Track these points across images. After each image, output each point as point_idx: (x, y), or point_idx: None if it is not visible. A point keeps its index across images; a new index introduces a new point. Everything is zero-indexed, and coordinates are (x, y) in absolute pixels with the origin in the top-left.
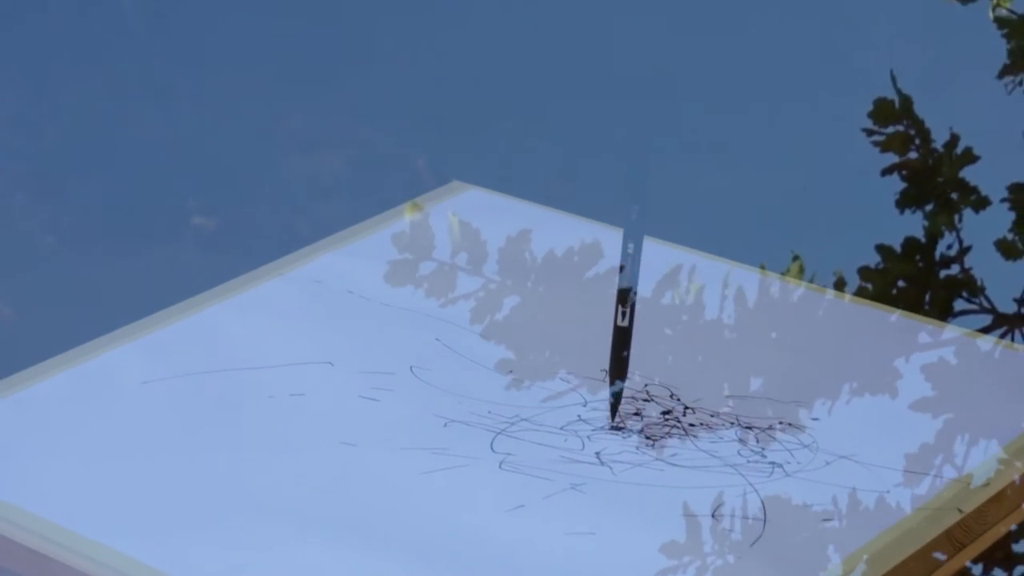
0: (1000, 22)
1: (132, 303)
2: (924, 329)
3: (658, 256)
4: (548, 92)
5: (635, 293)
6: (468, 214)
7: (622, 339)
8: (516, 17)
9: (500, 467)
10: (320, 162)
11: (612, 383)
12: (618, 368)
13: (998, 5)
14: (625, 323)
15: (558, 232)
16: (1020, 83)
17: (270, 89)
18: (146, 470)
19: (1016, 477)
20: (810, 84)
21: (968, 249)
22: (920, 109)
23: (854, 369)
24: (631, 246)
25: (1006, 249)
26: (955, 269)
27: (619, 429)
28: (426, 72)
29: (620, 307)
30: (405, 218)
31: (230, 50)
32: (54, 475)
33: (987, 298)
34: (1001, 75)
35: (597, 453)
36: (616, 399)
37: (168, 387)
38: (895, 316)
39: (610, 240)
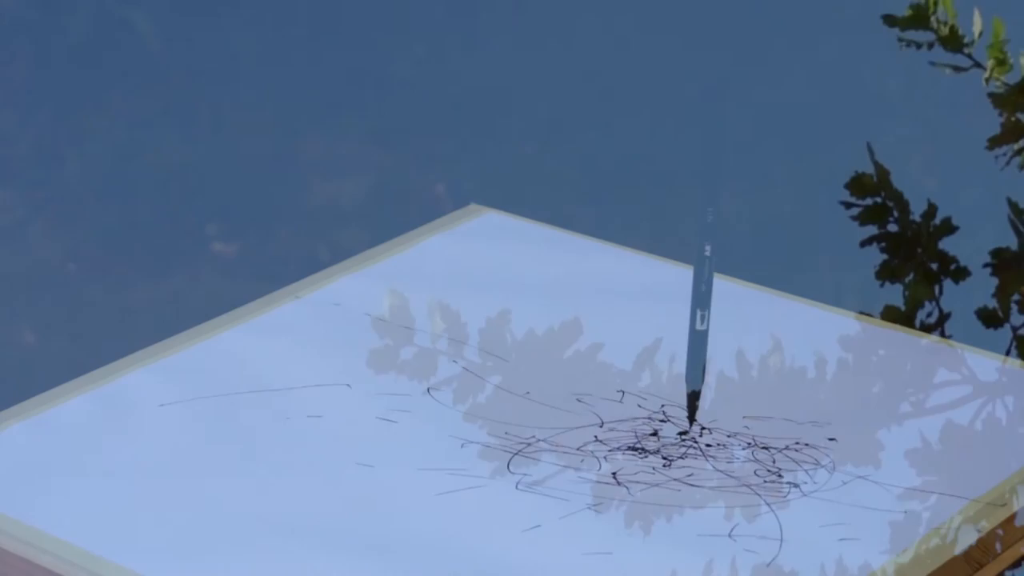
0: (993, 98)
1: (153, 329)
2: (941, 350)
3: (679, 278)
4: (569, 115)
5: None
6: (486, 237)
7: (700, 343)
8: (536, 41)
9: (517, 488)
10: (340, 187)
11: (690, 388)
12: (696, 372)
13: (991, 77)
14: (704, 327)
15: (576, 255)
16: (1018, 152)
17: (290, 115)
18: (164, 492)
19: None
20: (796, 147)
21: (948, 317)
22: (906, 176)
23: (871, 389)
24: (708, 248)
25: (987, 318)
26: (935, 337)
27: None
28: (445, 96)
29: (699, 311)
30: (423, 242)
31: (250, 76)
32: (72, 496)
33: (967, 366)
34: (991, 147)
35: (614, 473)
36: (694, 404)
37: (186, 410)
38: (912, 337)
39: (628, 262)
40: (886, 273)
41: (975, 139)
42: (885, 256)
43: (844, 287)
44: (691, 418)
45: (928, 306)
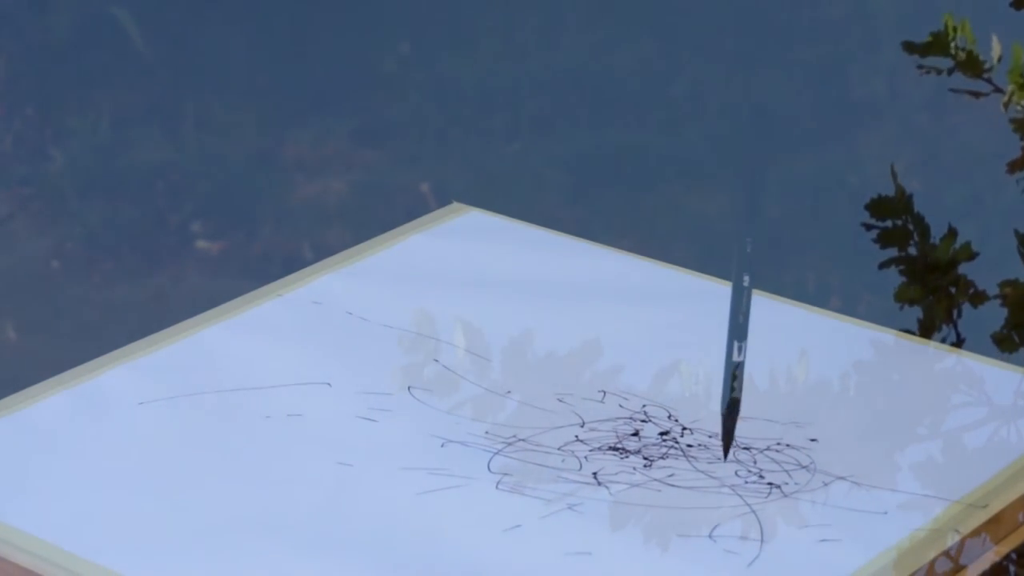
0: (1015, 123)
1: (136, 327)
2: (924, 351)
3: (662, 278)
4: (555, 114)
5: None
6: (467, 236)
7: (737, 375)
8: (522, 40)
9: (497, 487)
10: (324, 186)
11: (726, 420)
12: (734, 405)
13: (1010, 102)
14: (741, 358)
15: (558, 254)
16: None
17: (274, 114)
18: (142, 490)
19: (1014, 499)
20: (781, 147)
21: (963, 342)
22: (929, 201)
23: (853, 390)
24: (747, 278)
25: (1002, 342)
26: (919, 339)
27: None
28: (430, 95)
29: (736, 342)
30: (404, 240)
31: (234, 73)
32: (49, 494)
33: (951, 368)
34: (1011, 171)
35: (594, 473)
36: (729, 436)
37: (165, 407)
38: (893, 337)
39: (611, 262)
40: (904, 296)
41: (958, 141)
42: (904, 279)
43: (828, 288)
44: (726, 453)
45: (944, 330)
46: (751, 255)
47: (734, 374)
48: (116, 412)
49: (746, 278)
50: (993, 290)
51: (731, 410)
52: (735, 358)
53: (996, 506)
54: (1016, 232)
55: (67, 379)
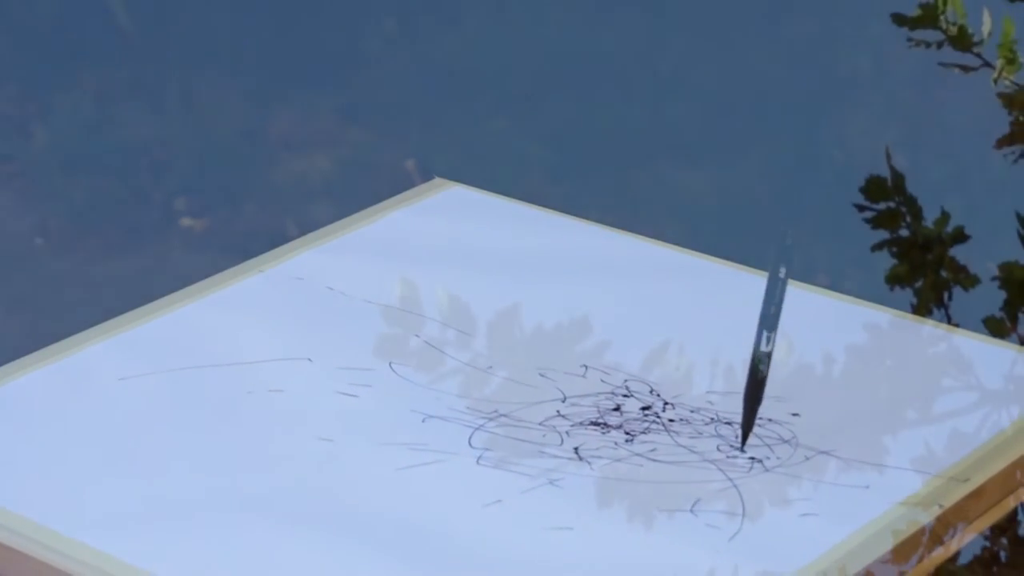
0: (1003, 98)
1: (120, 304)
2: (907, 327)
3: (645, 253)
4: (540, 91)
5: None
6: (450, 211)
7: (764, 363)
8: (507, 15)
9: (478, 462)
10: (309, 163)
11: (748, 408)
12: (756, 393)
13: (999, 77)
14: (769, 348)
15: (541, 229)
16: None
17: (259, 90)
18: (123, 466)
19: (996, 473)
20: (768, 125)
21: (955, 327)
22: (915, 179)
23: (835, 364)
24: (783, 270)
25: (994, 327)
26: (901, 312)
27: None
28: (416, 71)
29: (765, 332)
30: (386, 216)
31: (218, 50)
32: (29, 470)
33: (933, 342)
34: (999, 146)
35: (575, 448)
36: (749, 425)
37: (146, 383)
38: (878, 313)
39: (593, 237)
40: (896, 278)
41: (944, 119)
42: (896, 261)
43: (814, 265)
44: (744, 442)
45: (935, 314)
46: (790, 247)
47: (759, 362)
48: (96, 387)
49: (783, 270)
50: (981, 269)
51: (753, 398)
52: (763, 348)
53: (978, 480)
54: (1018, 215)
55: (47, 354)
